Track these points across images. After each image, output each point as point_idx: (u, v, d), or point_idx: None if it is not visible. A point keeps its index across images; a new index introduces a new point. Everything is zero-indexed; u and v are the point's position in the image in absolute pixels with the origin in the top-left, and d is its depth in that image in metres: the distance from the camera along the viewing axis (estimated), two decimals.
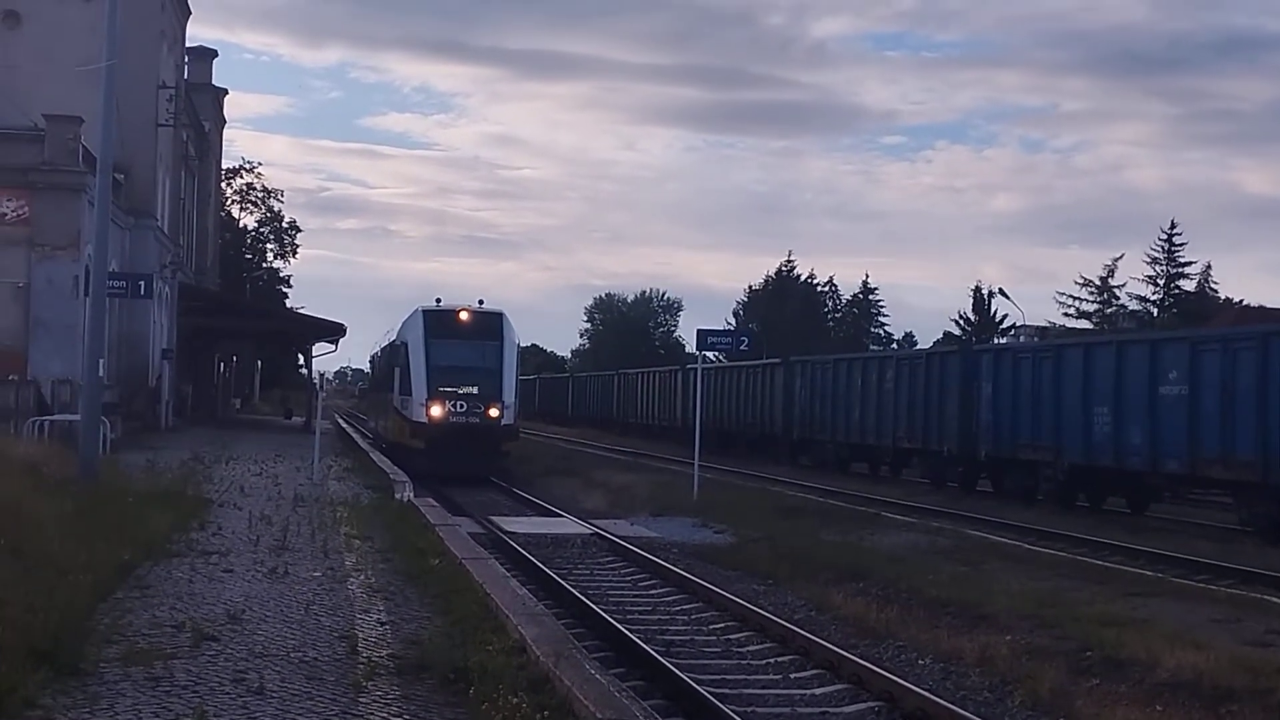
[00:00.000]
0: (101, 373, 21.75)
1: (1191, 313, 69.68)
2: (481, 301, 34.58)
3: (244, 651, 9.34)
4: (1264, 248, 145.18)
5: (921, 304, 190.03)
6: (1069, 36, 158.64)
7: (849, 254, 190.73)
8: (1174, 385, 24.19)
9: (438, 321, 33.39)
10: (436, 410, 31.99)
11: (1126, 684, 11.12)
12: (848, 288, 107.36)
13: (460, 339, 33.16)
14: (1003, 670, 11.59)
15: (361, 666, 8.97)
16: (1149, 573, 17.78)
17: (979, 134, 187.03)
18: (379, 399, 44.39)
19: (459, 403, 32.09)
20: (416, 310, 34.20)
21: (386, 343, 40.19)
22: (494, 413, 32.24)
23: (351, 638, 9.95)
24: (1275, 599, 15.51)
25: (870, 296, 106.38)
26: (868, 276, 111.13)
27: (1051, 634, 12.98)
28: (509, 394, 32.86)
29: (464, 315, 33.58)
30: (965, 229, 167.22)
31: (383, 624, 10.63)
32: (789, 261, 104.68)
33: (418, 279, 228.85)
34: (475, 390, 32.30)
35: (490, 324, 33.69)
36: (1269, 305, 59.87)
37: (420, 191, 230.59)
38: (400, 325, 35.56)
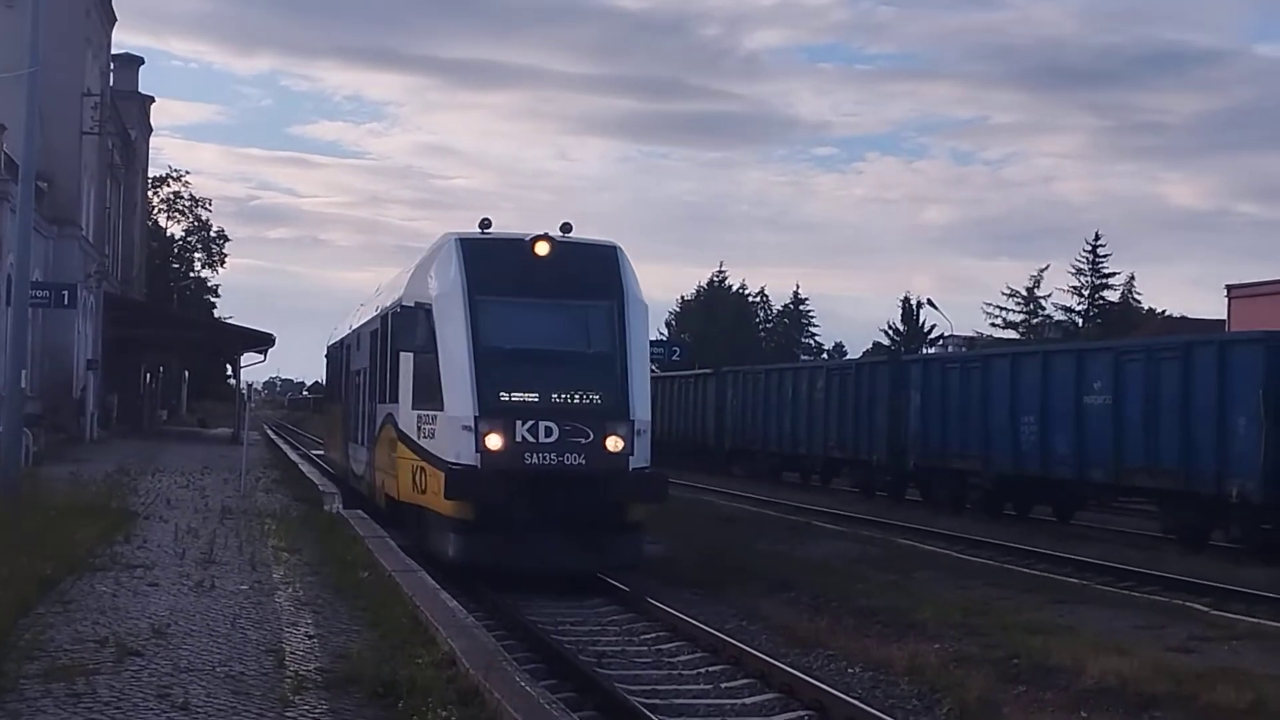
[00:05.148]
0: (24, 384, 21.47)
1: (1116, 323, 70.89)
2: (567, 227, 17.71)
3: (169, 666, 9.22)
4: (1188, 260, 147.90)
5: (852, 314, 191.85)
6: (999, 49, 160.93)
7: (782, 264, 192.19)
8: (1099, 395, 24.53)
9: (491, 261, 17.28)
10: (496, 441, 15.99)
11: (1053, 690, 11.25)
12: (779, 298, 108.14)
13: (536, 297, 17.21)
14: (931, 678, 11.67)
15: (289, 680, 8.89)
16: (1075, 580, 18.03)
17: (910, 146, 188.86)
18: (351, 415, 25.25)
19: (542, 426, 16.11)
20: (447, 240, 17.69)
21: (373, 313, 22.24)
22: (613, 444, 16.31)
23: (279, 651, 9.86)
24: (1197, 606, 15.78)
25: (801, 306, 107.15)
26: (798, 287, 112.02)
27: (979, 642, 13.11)
28: (640, 406, 16.86)
29: (542, 248, 17.11)
30: (896, 240, 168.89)
31: (311, 637, 10.55)
32: (720, 272, 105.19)
33: (349, 289, 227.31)
34: (573, 399, 16.53)
35: (596, 265, 17.69)
36: (1191, 316, 61.22)
37: (352, 200, 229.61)
38: (410, 272, 19.37)
